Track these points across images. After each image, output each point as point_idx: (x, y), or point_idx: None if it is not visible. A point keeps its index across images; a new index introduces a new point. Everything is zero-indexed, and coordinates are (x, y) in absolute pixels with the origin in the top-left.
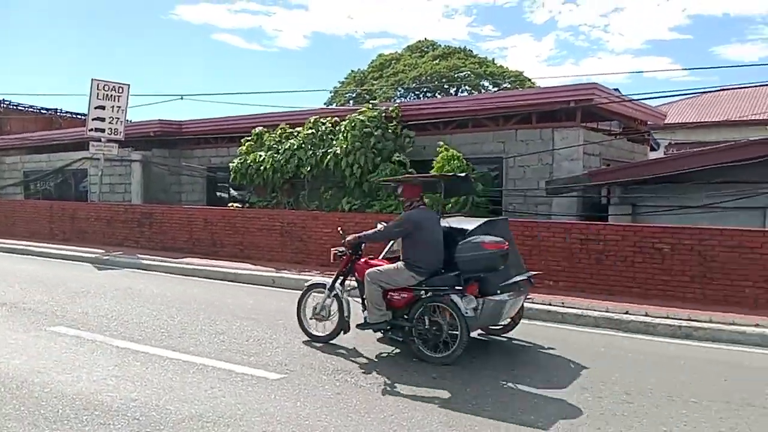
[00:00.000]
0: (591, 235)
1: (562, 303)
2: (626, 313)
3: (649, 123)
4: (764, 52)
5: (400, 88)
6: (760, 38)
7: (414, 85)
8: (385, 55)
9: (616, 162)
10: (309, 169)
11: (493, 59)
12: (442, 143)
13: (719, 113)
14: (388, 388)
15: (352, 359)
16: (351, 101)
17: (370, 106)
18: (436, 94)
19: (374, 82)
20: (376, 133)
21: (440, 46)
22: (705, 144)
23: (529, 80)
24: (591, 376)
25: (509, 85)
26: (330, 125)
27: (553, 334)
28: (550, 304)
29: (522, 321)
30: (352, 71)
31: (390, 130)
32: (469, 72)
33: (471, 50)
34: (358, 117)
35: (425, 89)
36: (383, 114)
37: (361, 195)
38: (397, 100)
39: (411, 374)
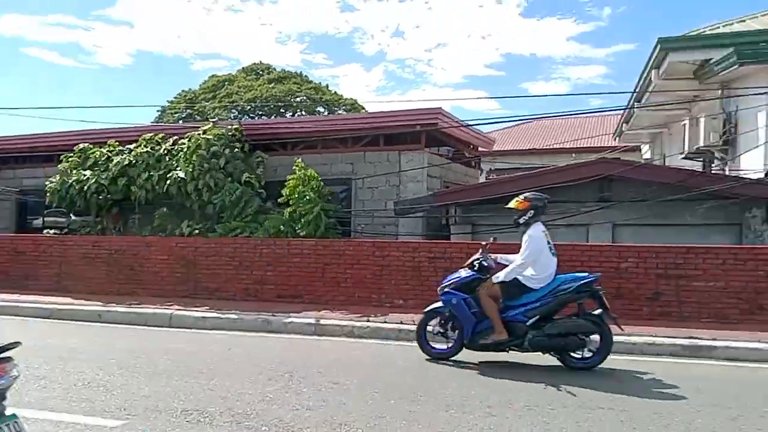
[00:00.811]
0: (438, 253)
1: (413, 321)
2: None
3: (480, 149)
4: (564, 89)
5: (234, 110)
6: (560, 77)
7: (249, 107)
8: (219, 76)
9: (454, 184)
10: (145, 192)
11: (327, 86)
12: (299, 160)
13: (530, 142)
14: (249, 425)
15: (200, 396)
16: (181, 121)
17: (212, 123)
18: (272, 118)
19: (206, 103)
20: (226, 153)
21: (275, 69)
22: (522, 170)
23: (363, 108)
24: (452, 392)
25: (344, 112)
26: (168, 145)
27: (403, 353)
28: (401, 323)
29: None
30: (183, 91)
31: (237, 150)
32: (305, 97)
33: (306, 76)
34: (203, 136)
35: (260, 113)
36: (229, 133)
37: (203, 218)
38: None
39: (271, 407)
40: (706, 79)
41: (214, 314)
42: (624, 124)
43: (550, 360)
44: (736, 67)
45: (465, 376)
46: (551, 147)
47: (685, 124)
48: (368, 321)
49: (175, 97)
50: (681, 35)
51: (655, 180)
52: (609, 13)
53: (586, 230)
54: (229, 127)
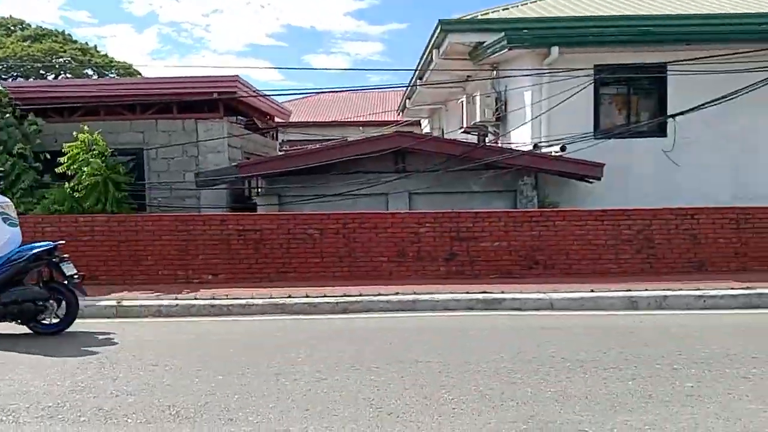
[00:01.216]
0: (248, 225)
1: (226, 295)
2: (289, 296)
3: (276, 119)
4: (345, 63)
5: None
6: (340, 51)
7: (1, 67)
8: None
9: (254, 155)
10: None
11: (96, 47)
12: (84, 126)
13: (320, 115)
14: (63, 418)
15: None
16: None
17: None
18: (30, 80)
19: None
20: None
21: (30, 26)
22: (314, 142)
23: (139, 73)
24: (279, 362)
25: (116, 76)
26: None
27: (220, 327)
28: (213, 298)
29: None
30: None
31: (9, 115)
32: (70, 58)
33: (70, 35)
34: None
35: (15, 74)
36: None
37: None
38: None
39: (86, 397)
40: (480, 61)
41: None
42: (407, 100)
43: None
44: (505, 50)
45: (295, 348)
46: (341, 120)
47: (462, 101)
48: (177, 299)
49: None
50: (458, 18)
51: (444, 152)
52: None
53: (385, 199)
54: None
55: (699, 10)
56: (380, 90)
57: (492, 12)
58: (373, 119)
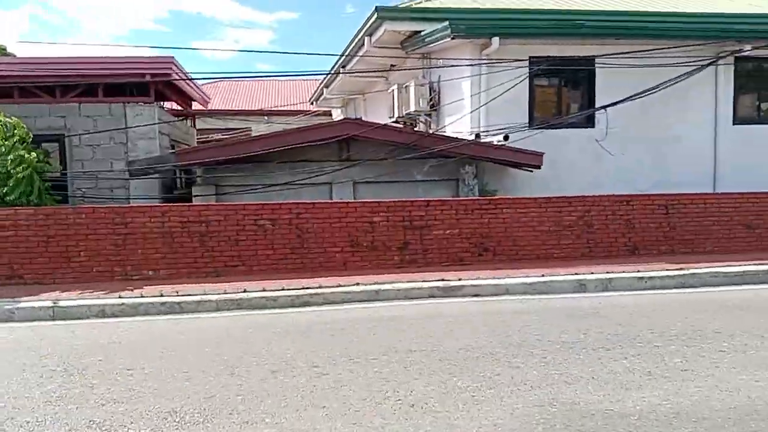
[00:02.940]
0: (192, 217)
1: (176, 292)
2: (244, 291)
3: (194, 106)
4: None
5: None
6: (228, 38)
7: None
8: None
9: (180, 143)
10: None
11: None
12: None
13: (220, 104)
14: None
15: None
16: None
17: None
18: None
19: None
20: None
21: None
22: (217, 131)
23: (13, 54)
24: (274, 358)
25: None
26: None
27: (179, 326)
28: (161, 295)
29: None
30: None
31: None
32: None
33: None
34: None
35: None
36: None
37: None
38: None
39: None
40: (413, 50)
41: None
42: (325, 89)
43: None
44: (447, 39)
45: (276, 342)
46: (246, 109)
47: (393, 91)
48: (121, 297)
49: None
50: (396, 6)
51: (393, 140)
52: None
53: (329, 188)
54: None
55: (626, 6)
56: (275, 78)
57: (425, 1)
58: (277, 109)
